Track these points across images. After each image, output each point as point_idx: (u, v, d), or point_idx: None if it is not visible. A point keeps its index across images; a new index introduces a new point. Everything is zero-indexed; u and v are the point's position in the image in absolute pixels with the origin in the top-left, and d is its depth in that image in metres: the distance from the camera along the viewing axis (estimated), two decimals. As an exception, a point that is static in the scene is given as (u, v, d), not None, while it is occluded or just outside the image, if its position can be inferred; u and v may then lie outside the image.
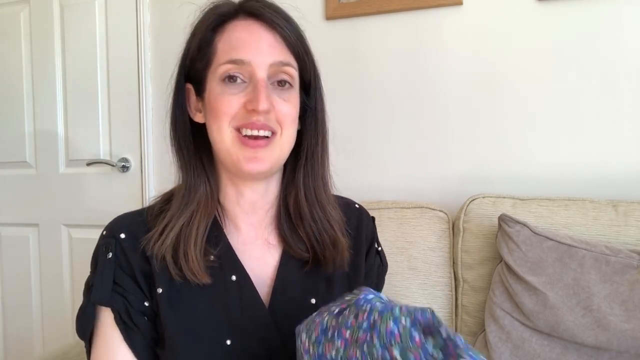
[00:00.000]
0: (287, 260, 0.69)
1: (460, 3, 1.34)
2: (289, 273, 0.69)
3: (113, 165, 1.69)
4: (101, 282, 0.63)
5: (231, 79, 0.62)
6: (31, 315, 1.85)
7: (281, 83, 0.64)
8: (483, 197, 1.19)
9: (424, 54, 1.39)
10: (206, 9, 0.66)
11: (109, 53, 1.71)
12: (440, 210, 1.22)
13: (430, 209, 1.22)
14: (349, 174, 1.45)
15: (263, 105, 0.60)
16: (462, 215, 1.19)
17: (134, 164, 1.70)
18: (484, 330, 1.08)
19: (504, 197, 1.18)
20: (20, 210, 1.84)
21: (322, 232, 0.69)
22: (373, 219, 0.81)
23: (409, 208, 1.23)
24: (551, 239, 1.03)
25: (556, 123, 1.29)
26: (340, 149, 1.46)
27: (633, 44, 1.22)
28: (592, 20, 1.25)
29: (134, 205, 1.68)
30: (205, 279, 0.63)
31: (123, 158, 1.70)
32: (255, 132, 0.62)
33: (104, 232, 0.67)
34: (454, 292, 1.18)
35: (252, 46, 0.62)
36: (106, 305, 0.63)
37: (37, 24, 1.79)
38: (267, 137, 0.63)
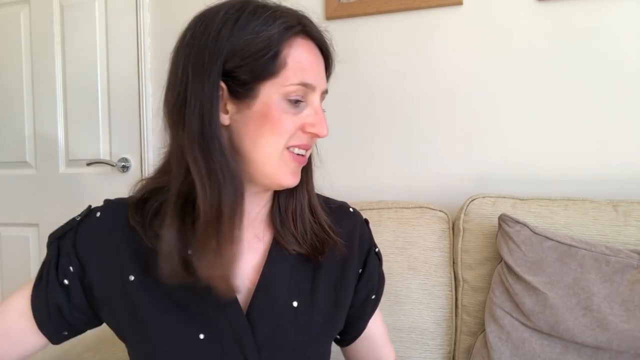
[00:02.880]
0: (274, 259, 0.69)
1: (460, 3, 1.34)
2: (275, 273, 0.68)
3: (113, 165, 1.69)
4: (57, 230, 0.69)
5: (297, 101, 0.62)
6: (31, 315, 1.85)
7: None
8: (483, 197, 1.19)
9: (424, 54, 1.39)
10: (260, 11, 0.61)
11: (109, 53, 1.71)
12: (440, 210, 1.22)
13: (430, 209, 1.22)
14: (348, 174, 1.45)
15: (326, 132, 0.64)
16: (462, 215, 1.19)
17: (134, 164, 1.70)
18: (484, 330, 1.08)
19: (504, 197, 1.18)
20: (20, 210, 1.84)
21: (314, 234, 0.70)
22: (366, 221, 0.81)
23: (409, 208, 1.23)
24: (551, 239, 1.03)
25: (556, 123, 1.29)
26: (340, 149, 1.46)
27: (633, 44, 1.22)
28: (591, 20, 1.25)
29: (134, 205, 1.69)
30: (232, 291, 0.63)
31: (123, 158, 1.70)
32: (303, 152, 0.65)
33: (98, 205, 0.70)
34: (454, 292, 1.18)
35: (316, 72, 0.63)
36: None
37: (37, 24, 1.79)
38: None
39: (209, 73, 0.59)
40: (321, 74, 0.65)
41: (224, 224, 0.59)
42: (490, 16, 1.33)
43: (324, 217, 0.72)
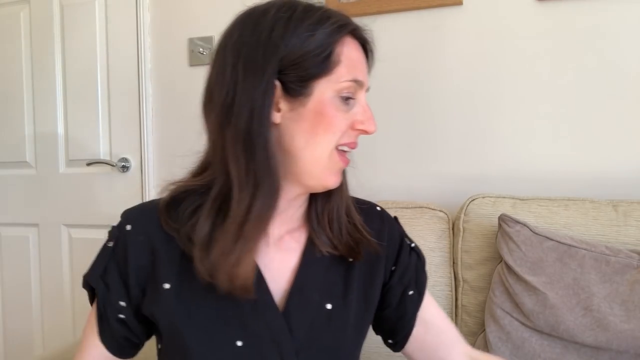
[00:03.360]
0: (308, 261, 0.68)
1: (460, 3, 1.34)
2: (309, 275, 0.67)
3: (113, 165, 1.69)
4: (95, 265, 0.67)
5: (348, 98, 0.62)
6: (31, 315, 1.85)
7: None
8: (483, 197, 1.19)
9: (424, 54, 1.39)
10: (311, 10, 0.61)
11: (109, 53, 1.71)
12: (440, 210, 1.22)
13: (430, 209, 1.22)
14: (348, 173, 1.45)
15: (374, 128, 0.64)
16: (462, 215, 1.19)
17: (134, 164, 1.70)
18: (484, 330, 1.08)
19: (504, 197, 1.18)
20: (20, 210, 1.84)
21: (349, 234, 0.70)
22: (395, 218, 0.81)
23: (409, 208, 1.23)
24: (551, 239, 1.03)
25: (556, 123, 1.29)
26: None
27: (633, 44, 1.22)
28: (592, 20, 1.25)
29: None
30: (250, 293, 0.61)
31: (123, 158, 1.70)
32: (349, 151, 0.65)
33: (118, 222, 0.68)
34: (454, 292, 1.18)
35: (364, 69, 0.64)
36: (92, 287, 0.67)
37: (37, 24, 1.79)
38: None
39: (263, 71, 0.58)
40: (366, 71, 0.66)
41: (250, 224, 0.59)
42: (490, 16, 1.33)
43: (357, 217, 0.72)
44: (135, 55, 1.67)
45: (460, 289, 1.17)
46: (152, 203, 0.67)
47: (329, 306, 0.67)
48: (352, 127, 0.63)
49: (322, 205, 0.70)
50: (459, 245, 1.18)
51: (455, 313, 1.17)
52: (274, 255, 0.67)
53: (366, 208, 0.77)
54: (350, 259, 0.70)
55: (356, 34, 0.64)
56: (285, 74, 0.59)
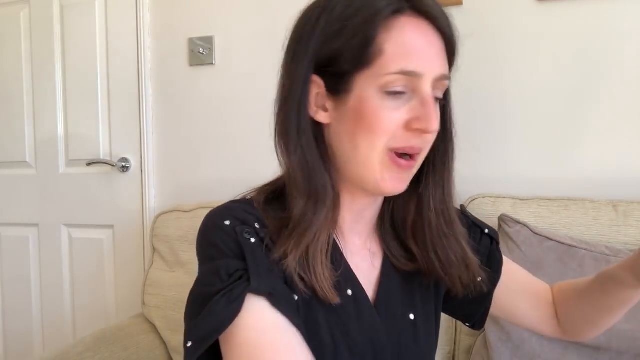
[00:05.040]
0: (388, 272, 0.63)
1: (460, 3, 1.34)
2: (391, 286, 0.63)
3: (113, 165, 1.69)
4: (257, 267, 0.51)
5: (397, 93, 0.52)
6: (31, 315, 1.85)
7: (435, 99, 0.55)
8: (483, 197, 1.19)
9: (424, 54, 1.39)
10: None
11: (109, 53, 1.71)
12: (440, 210, 1.22)
13: (430, 209, 1.22)
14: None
15: (435, 126, 0.53)
16: (462, 215, 1.19)
17: (134, 164, 1.70)
18: (484, 330, 1.08)
19: (504, 197, 1.18)
20: (20, 210, 1.84)
21: (448, 249, 0.61)
22: (462, 207, 0.73)
23: (409, 208, 1.23)
24: (551, 239, 1.03)
25: (556, 123, 1.29)
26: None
27: (633, 44, 1.22)
28: (592, 20, 1.25)
29: (134, 206, 1.69)
30: (335, 299, 0.54)
31: (123, 158, 1.70)
32: (408, 156, 0.55)
33: (228, 222, 0.54)
34: (454, 292, 1.18)
35: (425, 55, 0.53)
36: (263, 294, 0.50)
37: (37, 24, 1.79)
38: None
39: (302, 65, 0.54)
40: (433, 57, 0.54)
41: (308, 236, 0.53)
42: (490, 16, 1.33)
43: (463, 235, 0.62)
44: (135, 55, 1.67)
45: (460, 289, 1.17)
46: (248, 204, 0.58)
47: (411, 316, 0.63)
48: (406, 127, 0.53)
49: (400, 214, 0.63)
50: (459, 245, 1.18)
51: (455, 313, 1.17)
52: (357, 264, 0.61)
53: (471, 224, 0.71)
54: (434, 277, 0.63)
55: (419, 10, 0.53)
56: (325, 69, 0.54)
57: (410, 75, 0.52)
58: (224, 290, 0.50)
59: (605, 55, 1.24)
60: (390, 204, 0.64)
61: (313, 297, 0.54)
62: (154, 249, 1.48)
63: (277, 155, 0.58)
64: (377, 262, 0.63)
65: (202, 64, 1.59)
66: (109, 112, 1.73)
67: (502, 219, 1.09)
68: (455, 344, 1.16)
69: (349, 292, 0.58)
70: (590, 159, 1.26)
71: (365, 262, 0.63)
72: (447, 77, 0.57)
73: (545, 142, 1.29)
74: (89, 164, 1.71)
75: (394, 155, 0.54)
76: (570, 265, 0.99)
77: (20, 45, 1.80)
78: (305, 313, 0.55)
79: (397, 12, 0.52)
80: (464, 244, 0.62)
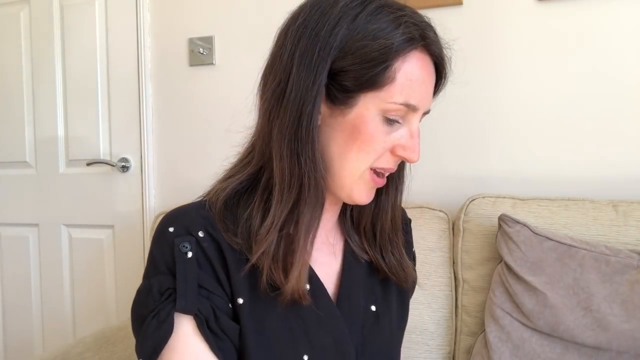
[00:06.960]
0: (350, 265, 0.66)
1: (460, 3, 1.34)
2: (353, 278, 0.65)
3: (113, 165, 1.69)
4: (185, 286, 0.54)
5: (394, 121, 0.56)
6: (31, 315, 1.85)
7: None
8: (483, 197, 1.19)
9: (424, 54, 1.39)
10: (383, 11, 0.54)
11: (109, 53, 1.71)
12: (440, 210, 1.22)
13: (430, 209, 1.22)
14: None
15: (417, 157, 0.58)
16: (462, 215, 1.19)
17: (134, 164, 1.70)
18: (484, 330, 1.08)
19: (504, 197, 1.18)
20: (20, 210, 1.84)
21: (391, 253, 0.67)
22: (410, 221, 0.79)
23: (408, 208, 1.22)
24: (551, 239, 1.03)
25: (556, 123, 1.29)
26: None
27: (633, 44, 1.22)
28: (592, 20, 1.25)
29: (134, 205, 1.69)
30: (307, 300, 0.57)
31: (123, 158, 1.70)
32: (385, 173, 0.60)
33: (172, 230, 0.57)
34: (454, 292, 1.18)
35: (424, 91, 0.57)
36: (190, 313, 0.53)
37: (37, 24, 1.79)
38: None
39: (316, 71, 0.53)
40: (430, 94, 0.59)
41: (299, 235, 0.56)
42: (490, 16, 1.33)
43: (401, 237, 0.69)
44: (135, 55, 1.67)
45: (460, 289, 1.17)
46: (200, 205, 0.60)
47: (373, 308, 0.66)
48: (391, 151, 0.58)
49: (357, 217, 0.67)
50: (459, 246, 1.18)
51: (455, 313, 1.18)
52: (317, 257, 0.63)
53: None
54: (384, 275, 0.68)
55: (430, 49, 0.56)
56: (334, 78, 0.54)
57: (409, 107, 0.56)
58: (154, 312, 0.53)
59: (605, 55, 1.24)
60: (351, 207, 0.68)
61: (275, 297, 0.57)
62: (154, 249, 1.48)
63: (264, 146, 0.58)
64: (339, 255, 0.67)
65: (202, 63, 1.59)
66: (109, 112, 1.73)
67: (502, 219, 1.09)
68: (455, 344, 1.16)
69: (307, 286, 0.59)
70: (590, 159, 1.26)
71: (326, 256, 0.65)
72: (428, 112, 0.62)
73: (545, 142, 1.29)
74: (89, 164, 1.71)
75: (373, 172, 0.59)
76: (570, 265, 0.99)
77: (20, 45, 1.81)
78: (261, 312, 0.57)
79: (413, 46, 0.55)
80: (402, 250, 0.69)
